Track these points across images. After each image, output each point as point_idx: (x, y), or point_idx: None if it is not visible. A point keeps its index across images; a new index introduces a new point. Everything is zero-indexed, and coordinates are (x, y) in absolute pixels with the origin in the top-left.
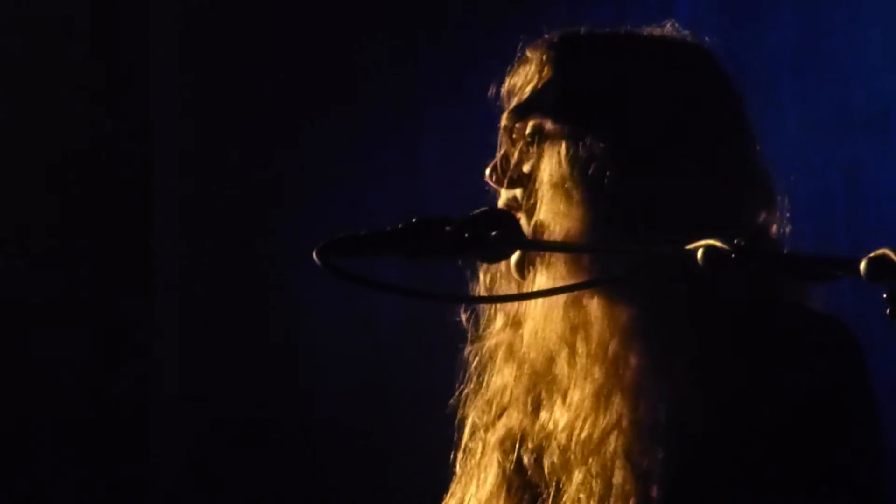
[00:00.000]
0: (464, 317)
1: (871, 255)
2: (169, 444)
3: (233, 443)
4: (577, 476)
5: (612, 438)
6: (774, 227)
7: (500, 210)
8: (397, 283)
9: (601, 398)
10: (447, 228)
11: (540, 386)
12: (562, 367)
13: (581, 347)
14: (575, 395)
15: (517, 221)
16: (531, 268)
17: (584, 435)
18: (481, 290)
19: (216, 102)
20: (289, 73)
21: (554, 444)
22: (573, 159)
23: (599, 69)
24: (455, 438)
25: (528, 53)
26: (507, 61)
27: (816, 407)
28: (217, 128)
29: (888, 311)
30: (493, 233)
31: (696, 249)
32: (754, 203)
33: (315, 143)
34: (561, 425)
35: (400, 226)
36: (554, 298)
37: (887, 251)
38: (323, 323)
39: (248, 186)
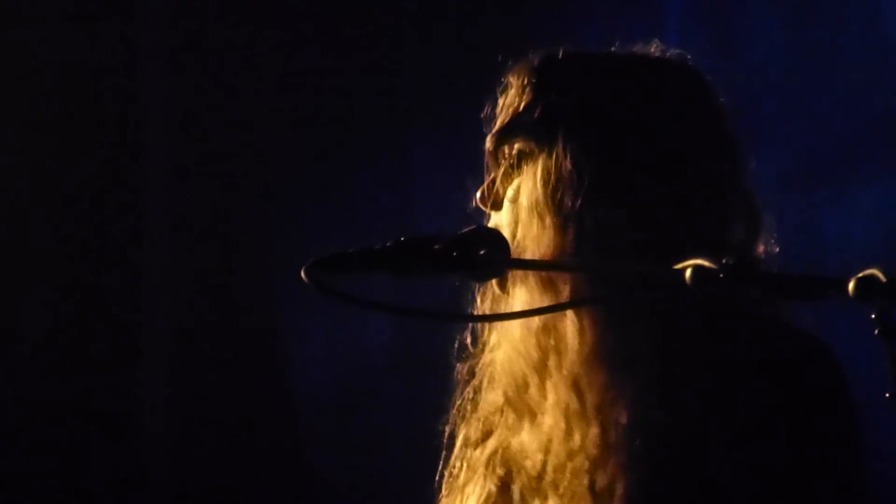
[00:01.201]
0: (467, 334)
1: (860, 274)
2: (158, 452)
3: (221, 453)
4: (550, 502)
5: (585, 463)
6: (760, 247)
7: (489, 228)
8: (385, 301)
9: (572, 423)
10: (436, 247)
11: (515, 409)
12: (534, 391)
13: (553, 372)
14: (547, 421)
15: (505, 240)
16: (511, 285)
17: (557, 461)
18: (478, 308)
19: (206, 120)
20: (279, 95)
21: (526, 469)
22: (546, 182)
23: (577, 90)
24: (444, 454)
25: (510, 77)
26: (495, 80)
27: (792, 428)
28: (206, 146)
29: (877, 330)
30: (482, 251)
31: (683, 269)
32: (737, 222)
33: (305, 161)
34: (533, 450)
35: (389, 244)
36: (526, 323)
37: (875, 271)
38: (311, 337)
39: (239, 200)
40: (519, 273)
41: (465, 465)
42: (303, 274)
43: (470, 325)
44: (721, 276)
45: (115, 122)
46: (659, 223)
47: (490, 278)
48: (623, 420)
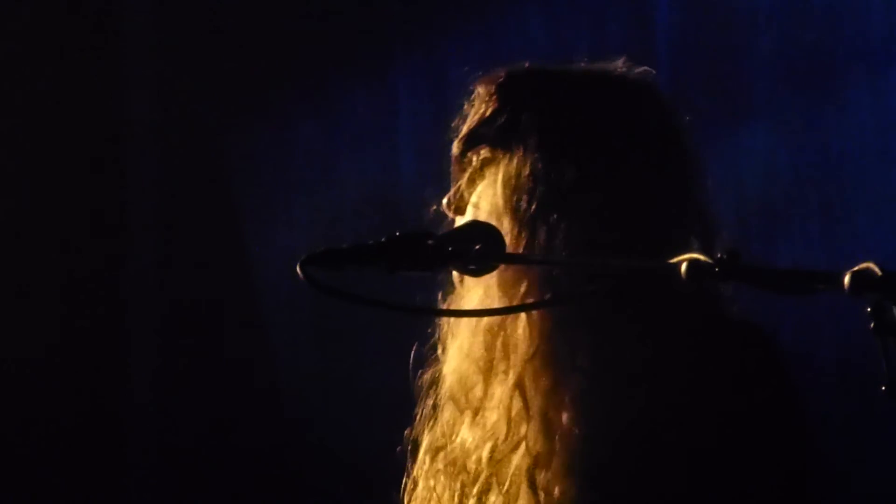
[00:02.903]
0: (430, 342)
1: (855, 269)
2: (144, 459)
3: (208, 459)
4: (492, 499)
5: (527, 462)
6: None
7: (484, 224)
8: (376, 297)
9: (515, 423)
10: (430, 242)
11: (459, 407)
12: (478, 390)
13: (498, 372)
14: (490, 418)
15: (500, 235)
16: (466, 284)
17: (500, 458)
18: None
19: (190, 98)
20: (264, 80)
21: (469, 465)
22: (505, 187)
23: (539, 102)
24: (408, 461)
25: (478, 87)
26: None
27: (735, 429)
28: (191, 127)
29: (871, 325)
30: (476, 246)
31: (679, 263)
32: (692, 236)
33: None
34: (476, 447)
35: (382, 239)
36: (473, 323)
37: (870, 265)
38: (300, 335)
39: (221, 196)
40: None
41: (425, 474)
42: (297, 270)
43: (434, 333)
44: (716, 269)
45: (100, 97)
46: (611, 232)
47: (484, 273)
48: (566, 422)
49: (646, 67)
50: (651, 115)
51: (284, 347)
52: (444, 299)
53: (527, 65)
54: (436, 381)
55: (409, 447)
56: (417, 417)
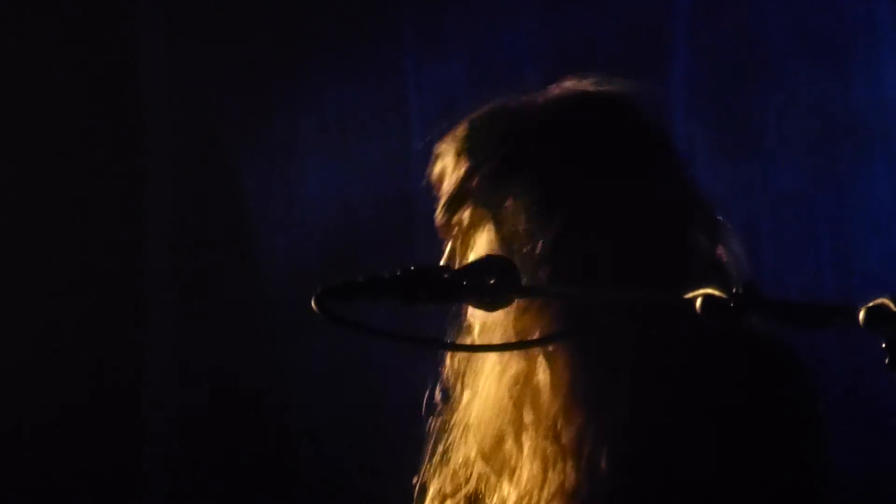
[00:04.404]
0: (438, 389)
1: (870, 304)
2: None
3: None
4: None
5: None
6: (724, 258)
7: (500, 257)
8: (389, 329)
9: (550, 467)
10: (445, 276)
11: (493, 467)
12: (510, 445)
13: (529, 424)
14: (525, 474)
15: (515, 268)
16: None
17: None
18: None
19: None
20: (270, 72)
21: None
22: (501, 247)
23: (511, 148)
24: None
25: (442, 148)
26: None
27: (762, 460)
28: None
29: (887, 359)
30: (492, 280)
31: (694, 298)
32: (698, 236)
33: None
34: (514, 502)
35: (398, 272)
36: (498, 377)
37: (886, 300)
38: (306, 340)
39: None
40: (498, 322)
41: None
42: (312, 304)
43: (440, 380)
44: (732, 304)
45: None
46: (616, 269)
47: (499, 307)
48: (602, 459)
49: (618, 79)
50: (633, 129)
51: (290, 354)
52: (456, 338)
53: (487, 107)
54: (446, 426)
55: (416, 492)
56: (426, 462)
